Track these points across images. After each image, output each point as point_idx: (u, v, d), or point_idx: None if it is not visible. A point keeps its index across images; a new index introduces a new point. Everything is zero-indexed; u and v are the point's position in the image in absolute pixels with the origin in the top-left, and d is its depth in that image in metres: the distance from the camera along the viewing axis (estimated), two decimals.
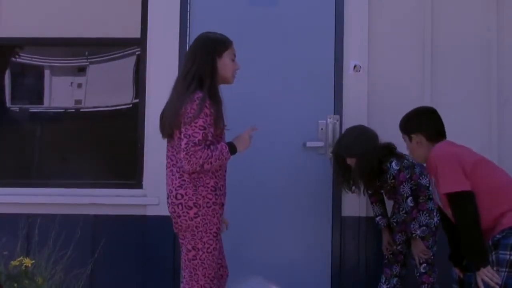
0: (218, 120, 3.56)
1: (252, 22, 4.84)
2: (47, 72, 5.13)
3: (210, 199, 3.55)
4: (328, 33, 4.82)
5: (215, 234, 3.57)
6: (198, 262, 3.56)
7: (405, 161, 4.23)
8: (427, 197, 4.22)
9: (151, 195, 4.73)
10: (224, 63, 3.67)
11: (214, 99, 3.56)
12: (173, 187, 3.58)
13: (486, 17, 4.78)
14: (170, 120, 3.59)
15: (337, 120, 4.75)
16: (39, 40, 5.01)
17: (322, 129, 4.76)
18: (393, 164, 4.22)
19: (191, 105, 3.49)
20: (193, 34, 4.78)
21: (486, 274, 3.38)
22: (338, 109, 4.76)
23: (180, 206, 3.55)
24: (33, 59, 5.13)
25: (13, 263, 3.73)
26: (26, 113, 5.13)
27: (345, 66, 4.77)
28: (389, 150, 4.27)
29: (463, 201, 3.44)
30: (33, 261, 3.77)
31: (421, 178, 4.23)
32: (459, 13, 4.79)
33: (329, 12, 4.83)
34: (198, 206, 3.53)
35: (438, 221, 4.18)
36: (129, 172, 4.87)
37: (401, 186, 4.20)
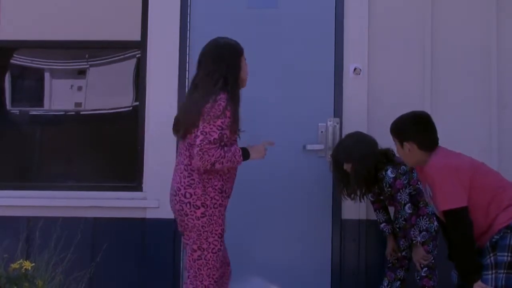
0: (234, 123, 3.65)
1: (253, 25, 4.84)
2: (47, 75, 5.13)
3: (217, 201, 3.64)
4: (328, 36, 4.82)
5: (220, 235, 3.65)
6: (203, 262, 3.62)
7: (402, 167, 4.22)
8: (426, 201, 4.22)
9: (151, 198, 4.73)
10: (243, 67, 3.79)
11: (235, 102, 3.66)
12: (182, 185, 3.65)
13: (486, 20, 4.77)
14: (189, 118, 3.64)
15: (337, 123, 4.75)
16: (40, 43, 5.02)
17: (322, 132, 4.76)
18: (389, 172, 4.21)
19: (213, 104, 3.57)
20: (193, 37, 4.81)
21: None
22: (338, 112, 4.76)
23: (188, 205, 3.62)
24: (33, 61, 5.14)
25: (13, 265, 3.72)
26: (26, 115, 5.13)
27: (345, 69, 4.77)
28: (387, 157, 4.26)
29: (458, 218, 3.45)
30: (33, 264, 3.76)
31: (419, 183, 4.23)
32: (459, 17, 4.79)
33: (329, 14, 4.83)
34: (206, 206, 3.61)
35: (438, 225, 4.18)
36: (129, 175, 4.87)
37: (398, 194, 4.20)
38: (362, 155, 4.23)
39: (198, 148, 3.54)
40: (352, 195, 4.33)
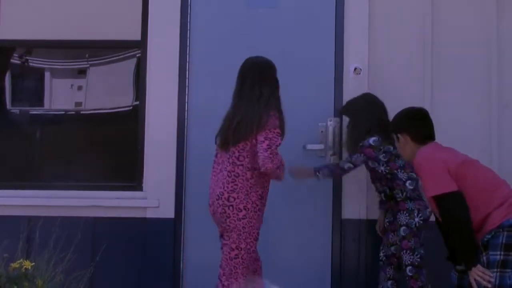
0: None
1: (253, 25, 4.84)
2: (47, 74, 5.14)
3: (257, 205, 3.93)
4: (329, 36, 4.82)
5: (255, 238, 3.95)
6: (239, 261, 3.91)
7: (392, 148, 4.20)
8: (405, 196, 4.22)
9: (151, 198, 4.73)
10: None
11: (283, 119, 3.96)
12: (225, 190, 3.89)
13: (486, 20, 4.78)
14: (249, 128, 3.86)
15: (338, 123, 4.74)
16: (40, 43, 5.03)
17: (322, 131, 4.76)
18: (371, 140, 4.24)
19: (269, 117, 3.86)
20: (193, 37, 4.81)
21: (478, 273, 3.41)
22: (338, 111, 4.76)
23: (231, 208, 3.88)
24: (34, 61, 5.14)
25: (13, 265, 3.73)
26: (27, 115, 5.14)
27: (346, 68, 4.78)
28: (384, 128, 4.24)
29: (451, 202, 3.46)
30: (33, 263, 3.76)
31: (399, 170, 4.24)
32: (459, 16, 4.80)
33: (330, 14, 4.83)
34: (247, 210, 3.89)
35: (419, 222, 4.18)
36: (129, 175, 4.88)
37: (368, 161, 4.26)
38: (360, 111, 4.36)
39: (268, 152, 3.81)
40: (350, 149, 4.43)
